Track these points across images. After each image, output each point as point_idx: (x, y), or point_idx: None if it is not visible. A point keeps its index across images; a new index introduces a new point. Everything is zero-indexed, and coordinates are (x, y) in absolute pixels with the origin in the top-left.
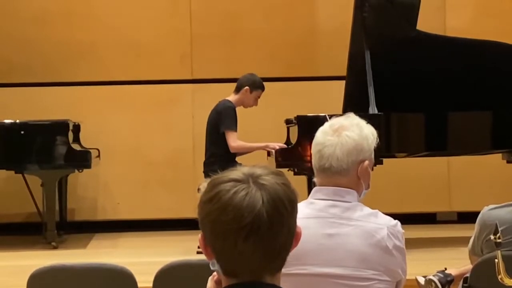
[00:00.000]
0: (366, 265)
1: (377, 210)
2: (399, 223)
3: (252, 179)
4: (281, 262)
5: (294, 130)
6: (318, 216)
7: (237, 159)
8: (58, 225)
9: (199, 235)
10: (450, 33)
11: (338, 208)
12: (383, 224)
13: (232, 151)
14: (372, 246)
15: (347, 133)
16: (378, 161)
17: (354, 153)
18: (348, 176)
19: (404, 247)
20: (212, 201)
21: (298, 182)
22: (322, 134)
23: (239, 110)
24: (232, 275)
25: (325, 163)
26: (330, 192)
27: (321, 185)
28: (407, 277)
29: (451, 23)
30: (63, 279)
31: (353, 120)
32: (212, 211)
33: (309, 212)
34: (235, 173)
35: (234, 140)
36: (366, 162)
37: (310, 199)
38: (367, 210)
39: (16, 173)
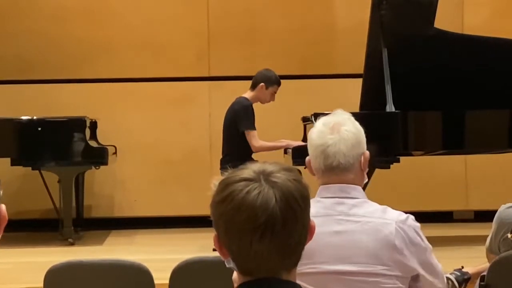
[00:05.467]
0: (376, 261)
1: (386, 206)
2: (411, 216)
3: (264, 177)
4: (297, 258)
5: (311, 127)
6: (326, 214)
7: (253, 156)
8: (74, 221)
9: (214, 235)
10: (468, 32)
11: (345, 205)
12: (391, 219)
13: (254, 150)
14: (380, 241)
15: (346, 128)
16: (395, 159)
17: (357, 146)
18: (354, 170)
19: (420, 240)
20: (225, 202)
21: (314, 179)
22: (319, 135)
23: (255, 107)
24: (248, 273)
25: (332, 161)
26: (336, 189)
27: (326, 184)
28: None
29: (469, 21)
30: (80, 275)
31: (343, 115)
32: (225, 212)
33: (316, 210)
34: (246, 171)
35: (256, 141)
36: (367, 153)
37: (316, 197)
38: (374, 206)
39: (33, 169)
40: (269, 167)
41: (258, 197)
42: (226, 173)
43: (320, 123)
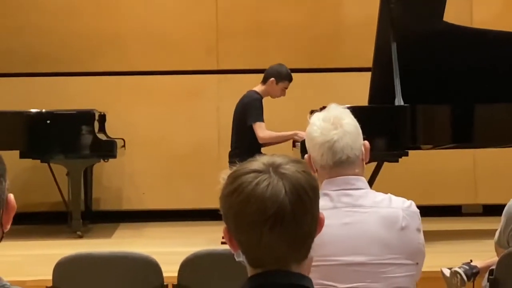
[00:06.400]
0: (385, 250)
1: (389, 194)
2: (413, 203)
3: (273, 168)
4: (307, 250)
5: None
6: (333, 207)
7: (262, 150)
8: (83, 214)
9: (223, 228)
10: (477, 25)
11: (350, 196)
12: (397, 207)
13: (261, 141)
14: (389, 230)
15: (346, 121)
16: (403, 153)
17: (359, 137)
18: (359, 162)
19: (421, 227)
20: (234, 194)
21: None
22: (322, 131)
23: (265, 101)
24: (258, 266)
25: (340, 156)
26: (340, 182)
27: (332, 178)
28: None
29: (478, 15)
30: (89, 267)
31: (339, 109)
32: (235, 204)
33: (324, 204)
34: (255, 163)
35: (262, 131)
36: (367, 143)
37: (322, 191)
38: (379, 195)
39: (41, 162)
40: (278, 159)
41: (268, 189)
42: (235, 167)
43: (317, 119)
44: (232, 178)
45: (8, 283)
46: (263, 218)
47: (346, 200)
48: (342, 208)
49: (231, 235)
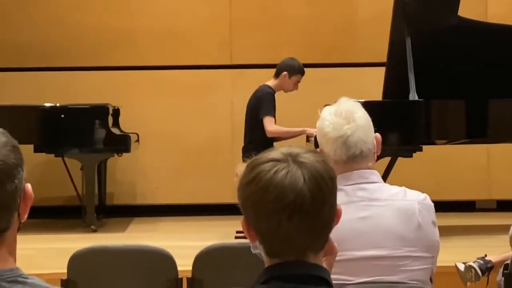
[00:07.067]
0: (402, 243)
1: (404, 187)
2: (428, 196)
3: (291, 157)
4: (324, 240)
5: None
6: (349, 201)
7: (276, 145)
8: (97, 209)
9: (242, 219)
10: (492, 20)
11: (366, 190)
12: (413, 200)
13: (268, 135)
14: (405, 223)
15: (358, 114)
16: (417, 148)
17: (371, 130)
18: (371, 156)
19: (436, 221)
20: (253, 182)
21: None
22: (335, 126)
23: (278, 95)
24: (276, 256)
25: (354, 151)
26: (355, 176)
27: (345, 173)
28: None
29: (493, 10)
30: (104, 260)
31: (350, 102)
32: (253, 193)
33: (339, 199)
34: (274, 153)
35: (270, 125)
36: (378, 135)
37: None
38: (394, 188)
39: (56, 156)
40: (296, 149)
41: (286, 177)
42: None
43: (329, 113)
44: (251, 167)
45: (26, 273)
46: (282, 206)
47: (362, 194)
48: (358, 202)
49: (250, 225)
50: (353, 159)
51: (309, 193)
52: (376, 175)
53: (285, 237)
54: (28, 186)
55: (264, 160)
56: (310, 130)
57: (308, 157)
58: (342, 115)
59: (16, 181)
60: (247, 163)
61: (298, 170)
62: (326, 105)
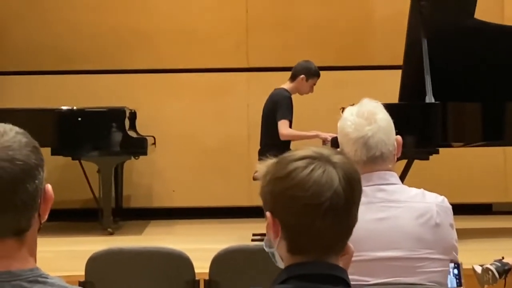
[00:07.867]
0: (420, 245)
1: (422, 189)
2: (445, 198)
3: (324, 157)
4: (345, 243)
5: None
6: (368, 202)
7: (291, 147)
8: (114, 211)
9: (267, 214)
10: (508, 23)
11: (385, 191)
12: (431, 202)
13: (282, 138)
14: (423, 225)
15: (380, 116)
16: (434, 150)
17: (392, 132)
18: (391, 158)
19: (453, 223)
20: (288, 178)
21: None
22: (357, 127)
23: (293, 98)
24: (300, 253)
25: (375, 152)
26: (375, 177)
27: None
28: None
29: (510, 12)
30: (121, 262)
31: (372, 103)
32: (289, 188)
33: None
34: (306, 151)
35: (284, 128)
36: (399, 137)
37: None
38: (413, 190)
39: (73, 159)
40: (325, 149)
41: (323, 175)
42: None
43: (351, 114)
44: (284, 163)
45: (46, 273)
46: (318, 203)
47: (381, 195)
48: (377, 203)
49: (277, 219)
50: (373, 160)
51: (343, 193)
52: (395, 177)
53: (316, 234)
54: (49, 186)
55: (297, 157)
56: (324, 135)
57: (339, 158)
58: (364, 115)
59: (36, 181)
60: (275, 160)
61: (333, 169)
62: (342, 107)
